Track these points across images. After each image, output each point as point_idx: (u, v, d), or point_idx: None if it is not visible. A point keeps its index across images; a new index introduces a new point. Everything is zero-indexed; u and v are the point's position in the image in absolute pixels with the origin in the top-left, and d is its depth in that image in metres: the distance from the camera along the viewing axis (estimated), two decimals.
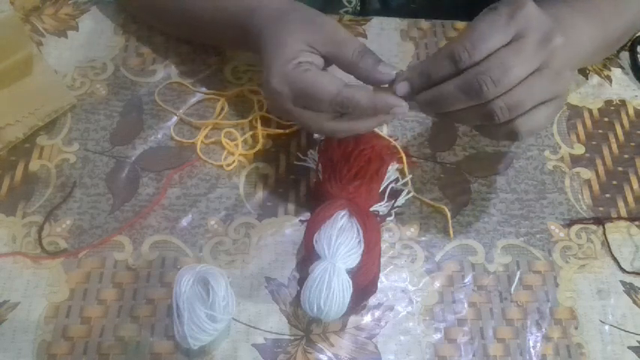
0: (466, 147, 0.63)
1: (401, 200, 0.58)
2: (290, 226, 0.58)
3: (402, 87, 0.48)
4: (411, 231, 0.58)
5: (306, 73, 0.48)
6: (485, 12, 0.46)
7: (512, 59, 0.43)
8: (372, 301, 0.54)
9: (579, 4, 0.55)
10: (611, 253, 0.58)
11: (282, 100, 0.49)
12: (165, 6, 0.64)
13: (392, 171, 0.58)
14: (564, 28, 0.50)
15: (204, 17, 0.60)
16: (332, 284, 0.48)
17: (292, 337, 0.52)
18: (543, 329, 0.53)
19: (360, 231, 0.51)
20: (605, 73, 0.70)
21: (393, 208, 0.57)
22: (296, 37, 0.50)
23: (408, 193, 0.59)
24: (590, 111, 0.67)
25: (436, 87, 0.46)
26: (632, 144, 0.65)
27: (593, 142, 0.64)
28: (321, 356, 0.51)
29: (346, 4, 0.76)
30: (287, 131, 0.63)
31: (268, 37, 0.51)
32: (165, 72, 0.67)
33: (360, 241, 0.51)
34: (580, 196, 0.61)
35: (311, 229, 0.52)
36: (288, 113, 0.51)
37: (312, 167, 0.60)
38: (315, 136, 0.62)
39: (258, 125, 0.63)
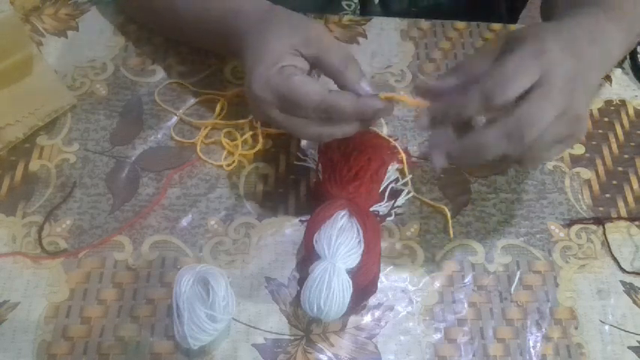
0: None
1: (401, 200, 0.58)
2: (290, 226, 0.58)
3: (423, 122, 0.46)
4: (411, 231, 0.58)
5: (289, 79, 0.47)
6: (512, 48, 0.45)
7: (543, 104, 0.43)
8: (372, 301, 0.54)
9: (608, 11, 0.54)
10: (611, 253, 0.58)
11: (265, 106, 0.49)
12: (158, 8, 0.64)
13: (392, 171, 0.58)
14: (596, 37, 0.50)
15: (192, 20, 0.60)
16: (332, 284, 0.48)
17: (292, 337, 0.52)
18: (543, 329, 0.53)
19: (360, 231, 0.51)
20: None
21: (393, 208, 0.57)
22: (280, 40, 0.49)
23: (408, 193, 0.59)
24: (590, 111, 0.67)
25: (474, 134, 0.45)
26: (632, 144, 0.65)
27: (593, 142, 0.64)
28: (321, 356, 0.51)
29: (346, 7, 0.76)
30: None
31: (251, 40, 0.51)
32: (165, 72, 0.67)
33: (360, 241, 0.51)
34: (580, 196, 0.61)
35: (311, 229, 0.52)
36: (271, 119, 0.50)
37: (312, 167, 0.60)
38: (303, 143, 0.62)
39: (258, 125, 0.62)
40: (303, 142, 0.62)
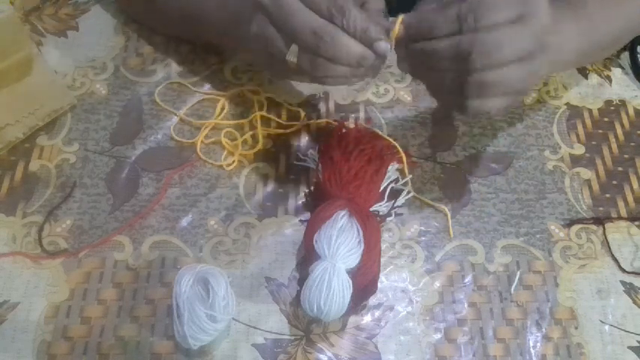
0: (466, 147, 0.63)
1: (401, 200, 0.58)
2: (290, 226, 0.58)
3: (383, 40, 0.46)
4: (411, 231, 0.58)
5: None
6: None
7: (508, 41, 0.44)
8: (372, 301, 0.54)
9: (568, 9, 0.54)
10: (611, 253, 0.58)
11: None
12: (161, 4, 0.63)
13: (392, 171, 0.58)
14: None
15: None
16: (332, 284, 0.48)
17: (292, 337, 0.52)
18: (543, 329, 0.53)
19: (360, 231, 0.51)
20: (605, 73, 0.70)
21: (393, 208, 0.57)
22: None
23: (408, 193, 0.59)
24: (590, 111, 0.67)
25: (429, 41, 0.45)
26: (632, 144, 0.65)
27: (593, 142, 0.64)
28: (321, 356, 0.51)
29: None
30: (287, 131, 0.63)
31: None
32: (165, 72, 0.67)
33: (360, 241, 0.51)
34: (580, 196, 0.61)
35: (311, 229, 0.52)
36: (265, 34, 0.47)
37: (312, 167, 0.60)
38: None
39: (258, 125, 0.63)
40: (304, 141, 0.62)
